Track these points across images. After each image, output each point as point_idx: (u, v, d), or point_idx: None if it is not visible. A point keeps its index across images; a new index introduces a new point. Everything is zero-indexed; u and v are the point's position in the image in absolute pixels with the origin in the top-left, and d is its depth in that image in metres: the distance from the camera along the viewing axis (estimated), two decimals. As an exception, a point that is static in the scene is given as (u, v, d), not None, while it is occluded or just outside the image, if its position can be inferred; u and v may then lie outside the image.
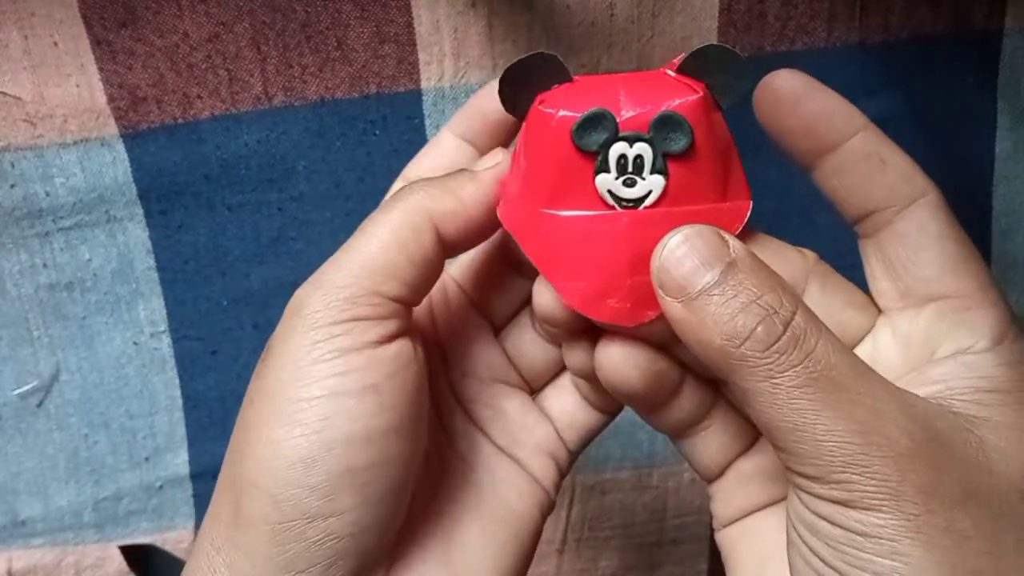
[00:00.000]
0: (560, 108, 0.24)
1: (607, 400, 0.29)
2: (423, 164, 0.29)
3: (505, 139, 0.28)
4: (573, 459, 0.30)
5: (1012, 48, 0.37)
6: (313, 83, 0.35)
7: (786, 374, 0.21)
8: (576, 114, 0.23)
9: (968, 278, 0.24)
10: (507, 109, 0.25)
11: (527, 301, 0.29)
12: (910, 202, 0.24)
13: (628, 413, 0.42)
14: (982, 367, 0.23)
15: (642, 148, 0.23)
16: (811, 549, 0.22)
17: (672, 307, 0.22)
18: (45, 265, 0.37)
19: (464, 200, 0.25)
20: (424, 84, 0.36)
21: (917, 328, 0.24)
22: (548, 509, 0.29)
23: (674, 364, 0.27)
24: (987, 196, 0.40)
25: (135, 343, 0.39)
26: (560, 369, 0.30)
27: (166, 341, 0.39)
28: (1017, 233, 0.40)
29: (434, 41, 0.35)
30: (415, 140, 0.37)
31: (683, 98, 0.23)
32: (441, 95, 0.36)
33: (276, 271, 0.38)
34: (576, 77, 0.25)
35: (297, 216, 0.37)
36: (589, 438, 0.30)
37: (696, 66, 0.24)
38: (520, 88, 0.24)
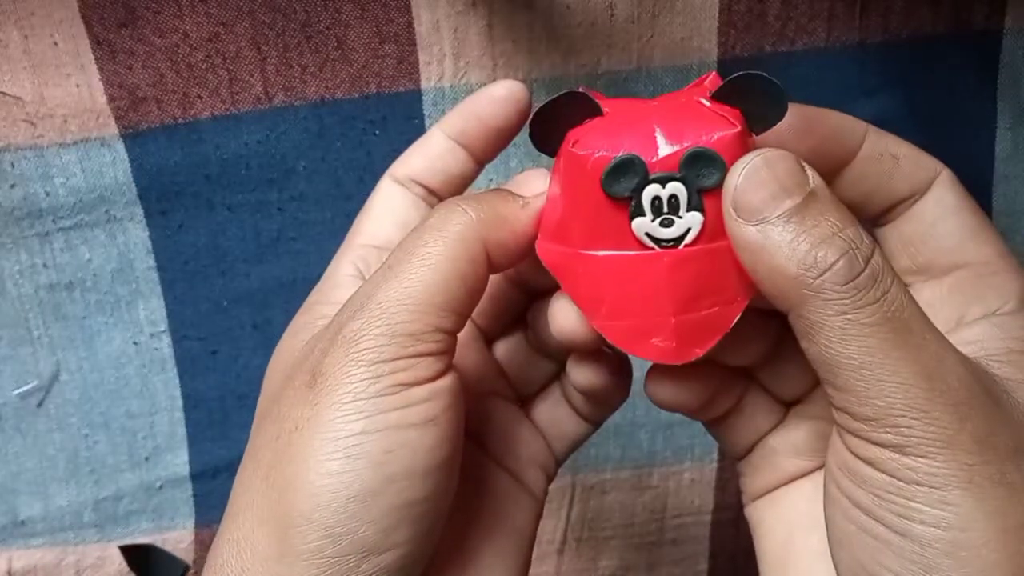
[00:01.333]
0: (593, 150, 0.23)
1: (599, 412, 0.29)
2: (413, 163, 0.28)
3: (500, 145, 0.28)
4: (559, 467, 0.30)
5: (1012, 48, 0.37)
6: (313, 83, 0.35)
7: (861, 311, 0.21)
8: (610, 154, 0.23)
9: (988, 246, 0.25)
10: (539, 148, 0.24)
11: (522, 314, 0.29)
12: (928, 185, 0.25)
13: (628, 413, 0.42)
14: (1014, 327, 0.23)
15: (676, 188, 0.23)
16: (853, 501, 0.22)
17: (745, 232, 0.22)
18: (45, 265, 0.37)
19: (517, 231, 0.25)
20: (424, 84, 0.36)
21: (941, 296, 0.25)
22: (540, 516, 0.29)
23: (716, 370, 0.27)
24: (987, 196, 0.40)
25: (135, 343, 0.39)
26: (549, 381, 0.30)
27: (166, 341, 0.39)
28: (1017, 233, 0.40)
29: (434, 41, 0.35)
30: (415, 140, 0.37)
31: (721, 132, 0.23)
32: (441, 95, 0.36)
33: (276, 271, 0.38)
34: (606, 104, 0.24)
35: (297, 216, 0.37)
36: (575, 447, 0.30)
37: (732, 94, 0.23)
38: (551, 126, 0.24)
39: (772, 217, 0.21)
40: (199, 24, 0.34)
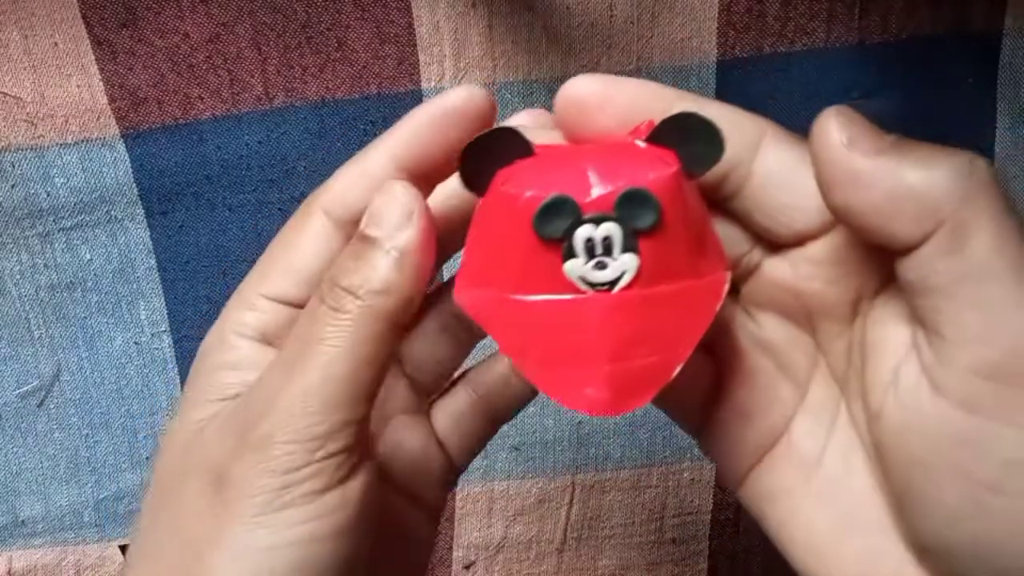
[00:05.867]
0: (524, 189, 0.22)
1: (506, 411, 0.29)
2: (349, 197, 0.26)
3: (451, 171, 0.24)
4: (459, 474, 0.29)
5: (1012, 48, 0.37)
6: (314, 83, 0.35)
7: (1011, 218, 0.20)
8: (542, 194, 0.22)
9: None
10: (467, 187, 0.23)
11: (427, 305, 0.28)
12: (756, 148, 0.23)
13: (628, 413, 0.42)
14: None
15: (609, 228, 0.22)
16: (973, 477, 0.20)
17: (874, 163, 0.21)
18: (46, 265, 0.37)
19: (405, 292, 0.23)
20: (424, 85, 0.36)
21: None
22: (438, 521, 0.29)
23: None
24: (987, 196, 0.40)
25: (136, 343, 0.39)
26: (449, 371, 0.29)
27: (167, 341, 0.39)
28: (1016, 233, 0.40)
29: (434, 42, 0.35)
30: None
31: (656, 172, 0.22)
32: (441, 95, 0.36)
33: (277, 271, 0.38)
34: (538, 148, 0.23)
35: (297, 216, 0.37)
36: (479, 450, 0.29)
37: (667, 134, 0.22)
38: (480, 164, 0.23)
39: (889, 147, 0.21)
40: (200, 24, 0.34)
